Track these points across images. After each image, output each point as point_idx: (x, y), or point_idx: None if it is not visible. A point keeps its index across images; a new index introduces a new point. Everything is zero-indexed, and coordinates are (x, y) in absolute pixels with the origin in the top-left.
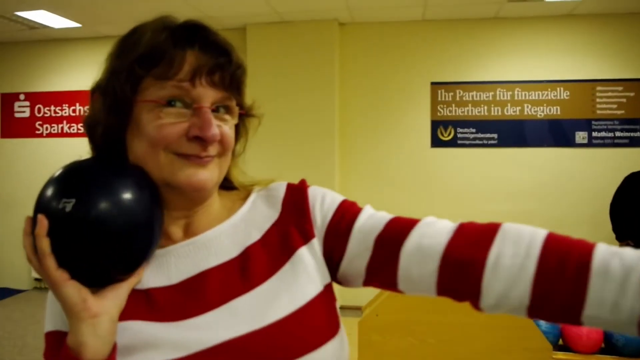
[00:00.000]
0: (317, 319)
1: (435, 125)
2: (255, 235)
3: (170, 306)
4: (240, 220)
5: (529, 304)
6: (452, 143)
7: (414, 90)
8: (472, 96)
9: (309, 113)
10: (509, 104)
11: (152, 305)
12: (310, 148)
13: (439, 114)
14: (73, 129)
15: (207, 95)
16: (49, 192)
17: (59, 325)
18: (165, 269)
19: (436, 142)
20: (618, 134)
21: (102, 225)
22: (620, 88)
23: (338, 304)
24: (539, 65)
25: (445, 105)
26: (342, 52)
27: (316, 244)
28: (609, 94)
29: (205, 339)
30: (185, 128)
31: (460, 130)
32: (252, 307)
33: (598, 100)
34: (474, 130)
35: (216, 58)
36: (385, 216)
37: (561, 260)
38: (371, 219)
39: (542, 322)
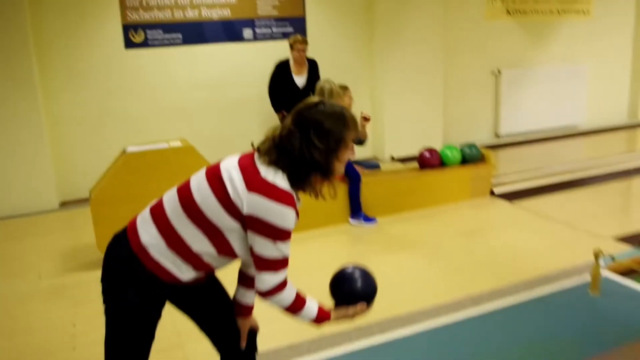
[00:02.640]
0: None
1: (127, 29)
2: None
3: None
4: None
5: None
6: (144, 44)
7: None
8: (157, 1)
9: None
10: (189, 8)
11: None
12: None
13: (128, 18)
14: None
15: None
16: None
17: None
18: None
19: (129, 45)
20: (275, 30)
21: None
22: None
23: None
24: None
25: (133, 10)
26: None
27: None
28: None
29: None
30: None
31: (150, 32)
32: None
33: (259, 2)
34: (161, 32)
35: None
36: None
37: None
38: None
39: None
